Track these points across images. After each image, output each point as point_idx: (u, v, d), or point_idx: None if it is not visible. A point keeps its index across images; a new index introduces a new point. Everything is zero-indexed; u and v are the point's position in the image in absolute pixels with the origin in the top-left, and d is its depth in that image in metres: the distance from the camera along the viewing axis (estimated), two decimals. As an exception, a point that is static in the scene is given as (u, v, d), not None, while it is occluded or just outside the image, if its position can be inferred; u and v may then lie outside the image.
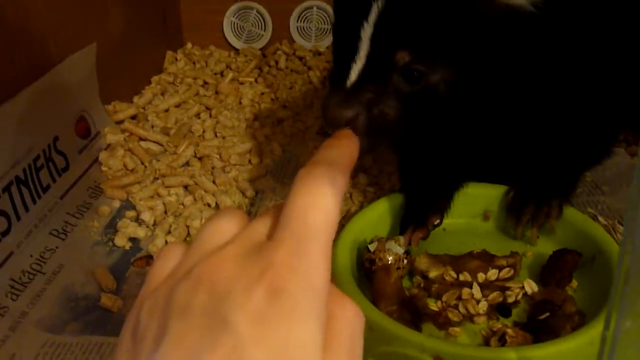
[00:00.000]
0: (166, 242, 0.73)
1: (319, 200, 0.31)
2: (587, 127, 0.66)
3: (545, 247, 0.66)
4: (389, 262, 0.59)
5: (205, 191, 0.79)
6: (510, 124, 0.64)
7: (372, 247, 0.60)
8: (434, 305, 0.59)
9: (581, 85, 0.62)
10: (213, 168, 0.84)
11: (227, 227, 0.34)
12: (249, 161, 0.86)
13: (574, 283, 0.62)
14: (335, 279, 0.59)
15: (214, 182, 0.81)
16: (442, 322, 0.58)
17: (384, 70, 0.55)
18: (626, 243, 0.40)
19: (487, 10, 0.54)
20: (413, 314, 0.58)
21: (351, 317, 0.32)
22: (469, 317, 0.58)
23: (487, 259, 0.62)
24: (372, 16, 0.54)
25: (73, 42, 0.82)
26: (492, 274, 0.61)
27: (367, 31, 0.54)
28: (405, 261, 0.61)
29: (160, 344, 0.29)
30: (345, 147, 0.37)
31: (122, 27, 0.96)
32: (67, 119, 0.81)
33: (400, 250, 0.60)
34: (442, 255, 0.63)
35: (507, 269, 0.61)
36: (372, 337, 0.53)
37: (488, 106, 0.60)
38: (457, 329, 0.57)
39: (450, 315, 0.58)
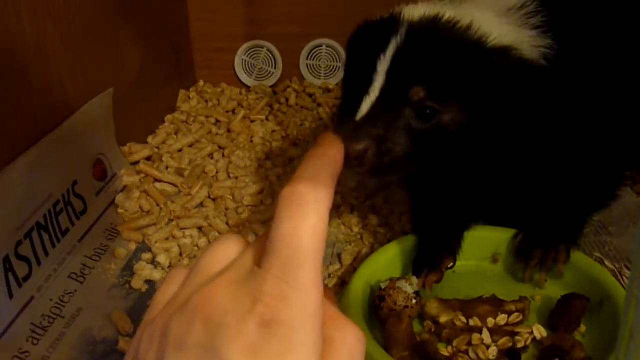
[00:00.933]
0: (181, 284, 0.74)
1: (303, 221, 0.31)
2: (593, 172, 0.67)
3: (553, 290, 0.67)
4: (399, 302, 0.61)
5: (219, 233, 0.81)
6: (518, 167, 0.65)
7: (383, 285, 0.62)
8: (444, 351, 0.61)
9: (587, 131, 0.64)
10: (227, 209, 0.86)
11: (226, 252, 0.34)
12: (262, 202, 0.88)
13: (582, 328, 0.63)
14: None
15: (227, 223, 0.83)
16: (453, 368, 0.59)
17: (397, 105, 0.56)
18: (630, 301, 0.42)
19: (502, 61, 0.57)
20: (424, 359, 0.59)
21: (351, 341, 0.31)
22: (479, 363, 0.60)
23: (496, 304, 0.63)
24: (390, 51, 0.56)
25: (91, 87, 0.84)
26: (502, 319, 0.62)
27: (383, 65, 0.56)
28: (414, 301, 0.62)
29: None
30: (328, 156, 0.36)
31: (137, 68, 0.98)
32: (85, 162, 0.83)
33: (411, 290, 0.62)
34: (452, 300, 0.64)
35: (516, 314, 0.63)
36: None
37: (497, 149, 0.61)
38: (469, 384, 0.59)
39: (461, 360, 0.59)
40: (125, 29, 0.95)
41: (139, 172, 0.91)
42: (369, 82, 0.56)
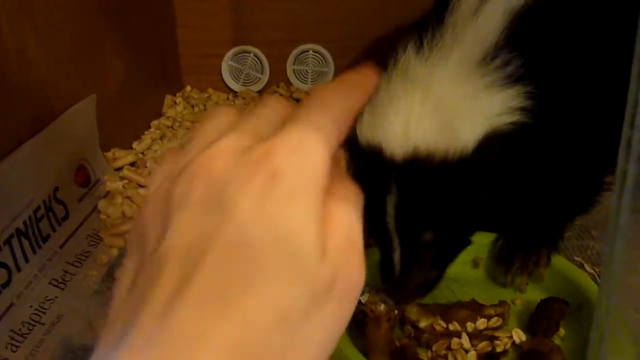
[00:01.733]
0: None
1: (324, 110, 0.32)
2: (573, 178, 0.68)
3: (534, 294, 0.67)
4: (379, 312, 0.61)
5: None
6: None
7: (363, 299, 0.62)
8: (424, 356, 0.61)
9: (567, 139, 0.64)
10: None
11: (221, 121, 0.33)
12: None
13: (562, 332, 0.63)
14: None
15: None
16: (432, 373, 0.59)
17: (416, 250, 0.60)
18: (601, 304, 0.42)
19: (484, 159, 0.58)
20: (404, 363, 0.59)
21: (350, 202, 0.32)
22: (458, 368, 0.60)
23: (476, 308, 0.64)
24: (390, 209, 0.58)
25: (74, 93, 0.84)
26: (481, 323, 0.62)
27: (391, 223, 0.58)
28: (396, 312, 0.62)
29: (164, 237, 0.30)
30: (355, 86, 0.35)
31: (122, 74, 0.98)
32: (67, 169, 0.83)
33: (392, 302, 0.62)
34: (432, 305, 0.64)
35: (496, 318, 0.63)
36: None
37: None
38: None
39: (439, 365, 0.59)
40: (110, 35, 0.95)
41: (122, 178, 0.90)
42: (389, 242, 0.60)
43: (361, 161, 0.57)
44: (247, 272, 0.28)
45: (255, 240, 0.28)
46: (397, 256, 0.59)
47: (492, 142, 0.57)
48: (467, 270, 0.72)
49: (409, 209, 0.58)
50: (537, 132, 0.59)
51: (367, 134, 0.59)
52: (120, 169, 0.93)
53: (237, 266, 0.28)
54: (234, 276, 0.28)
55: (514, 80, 0.58)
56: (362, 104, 0.34)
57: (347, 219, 0.31)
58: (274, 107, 0.33)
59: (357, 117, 0.59)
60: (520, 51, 0.59)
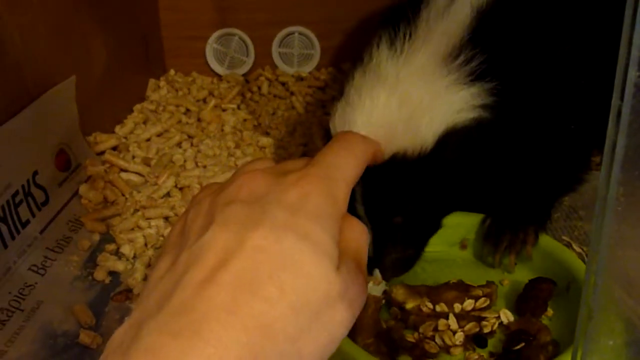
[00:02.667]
0: (146, 275, 0.73)
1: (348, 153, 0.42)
2: (560, 157, 0.67)
3: (521, 275, 0.66)
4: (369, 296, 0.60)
5: (185, 222, 0.79)
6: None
7: None
8: (410, 337, 0.60)
9: (552, 119, 0.63)
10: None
11: (257, 166, 0.42)
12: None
13: (549, 312, 0.62)
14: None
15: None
16: (418, 354, 0.58)
17: (388, 232, 0.62)
18: (589, 281, 0.41)
19: (446, 156, 0.59)
20: (389, 346, 0.58)
21: (358, 233, 0.40)
22: (446, 349, 0.59)
23: (463, 289, 0.63)
24: (359, 197, 0.60)
25: (53, 75, 0.82)
26: (469, 304, 0.61)
27: (360, 210, 0.60)
28: (383, 298, 0.62)
29: (207, 230, 0.36)
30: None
31: (103, 57, 0.96)
32: (47, 153, 0.81)
33: (379, 291, 0.61)
34: (419, 286, 0.63)
35: (483, 298, 0.62)
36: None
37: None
38: (433, 361, 0.58)
39: (426, 347, 0.58)
40: (90, 16, 0.93)
41: (104, 162, 0.89)
42: (357, 216, 0.59)
43: None
44: (274, 267, 0.34)
45: (285, 243, 0.35)
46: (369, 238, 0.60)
47: (452, 138, 0.58)
48: (455, 251, 0.72)
49: (375, 198, 0.59)
50: (502, 125, 0.60)
51: (338, 126, 0.60)
52: (102, 153, 0.91)
53: (267, 260, 0.34)
54: (262, 268, 0.34)
55: (476, 77, 0.59)
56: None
57: (356, 244, 0.40)
58: (296, 160, 0.43)
59: (332, 110, 0.62)
60: (484, 48, 0.59)
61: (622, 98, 0.35)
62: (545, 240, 0.67)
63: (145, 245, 0.77)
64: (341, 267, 0.37)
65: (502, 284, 0.66)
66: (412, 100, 0.57)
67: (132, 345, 0.33)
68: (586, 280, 0.40)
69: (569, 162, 0.69)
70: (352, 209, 0.58)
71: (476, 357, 0.57)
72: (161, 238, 0.78)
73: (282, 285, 0.34)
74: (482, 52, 0.59)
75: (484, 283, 0.64)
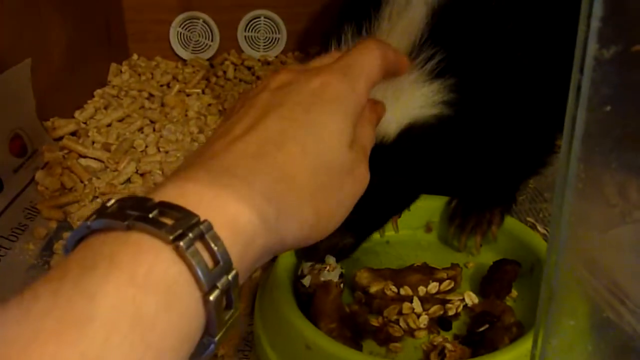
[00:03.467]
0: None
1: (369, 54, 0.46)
2: (523, 143, 0.67)
3: (486, 257, 0.66)
4: (330, 280, 0.59)
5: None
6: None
7: (306, 282, 0.59)
8: (375, 321, 0.59)
9: (516, 103, 0.63)
10: (155, 184, 0.82)
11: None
12: (193, 176, 0.84)
13: (514, 293, 0.62)
14: (274, 296, 0.58)
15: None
16: (383, 338, 0.57)
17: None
18: (550, 262, 0.40)
19: (405, 147, 0.59)
20: (353, 330, 0.57)
21: (369, 130, 0.47)
22: (410, 332, 0.58)
23: (427, 272, 0.62)
24: None
25: (6, 58, 0.79)
26: (433, 287, 0.61)
27: None
28: (342, 283, 0.60)
29: (237, 115, 0.42)
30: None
31: (63, 40, 0.93)
32: (0, 138, 0.78)
33: (336, 276, 0.60)
34: (384, 270, 0.63)
35: (448, 281, 0.61)
36: (311, 357, 0.52)
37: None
38: (398, 344, 0.57)
39: (391, 330, 0.57)
40: (51, 8, 0.90)
41: (62, 148, 0.86)
42: None
43: None
44: (298, 132, 0.40)
45: (309, 114, 0.41)
46: None
47: (413, 132, 0.58)
48: (420, 234, 0.71)
49: None
50: (463, 119, 0.59)
51: None
52: (60, 138, 0.88)
53: (291, 126, 0.40)
54: (287, 131, 0.39)
55: (436, 74, 0.58)
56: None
57: (369, 137, 0.47)
58: (322, 57, 0.48)
59: None
60: (443, 46, 0.59)
61: (581, 71, 0.34)
62: (510, 222, 0.67)
63: (105, 232, 0.75)
64: (354, 148, 0.43)
65: (467, 266, 0.66)
66: (375, 96, 0.56)
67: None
68: (547, 259, 0.40)
69: (532, 146, 0.70)
70: None
71: (440, 339, 0.56)
72: (121, 225, 0.76)
73: (305, 146, 0.39)
74: (441, 50, 0.59)
75: (449, 266, 0.63)
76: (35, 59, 0.84)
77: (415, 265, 0.63)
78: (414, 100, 0.58)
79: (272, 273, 0.62)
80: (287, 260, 0.62)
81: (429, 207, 0.70)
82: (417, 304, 0.59)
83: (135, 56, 1.18)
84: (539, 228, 0.72)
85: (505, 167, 0.69)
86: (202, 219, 0.33)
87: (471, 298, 0.60)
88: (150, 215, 0.32)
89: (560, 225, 0.38)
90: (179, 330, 0.30)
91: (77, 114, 0.96)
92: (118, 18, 1.15)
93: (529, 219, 0.74)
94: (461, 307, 0.59)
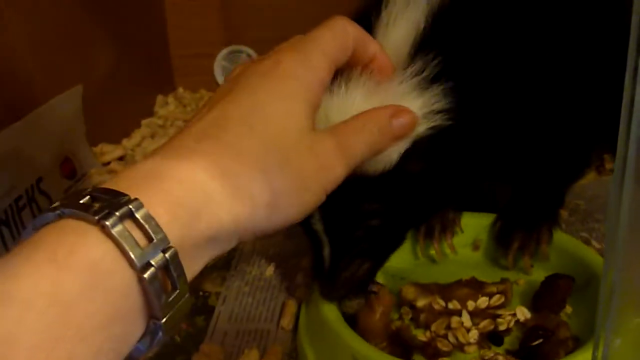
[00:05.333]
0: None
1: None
2: (563, 149, 0.64)
3: (538, 274, 0.63)
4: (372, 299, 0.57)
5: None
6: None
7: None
8: (422, 336, 0.57)
9: (553, 115, 0.60)
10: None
11: None
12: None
13: (568, 309, 0.59)
14: (321, 310, 0.57)
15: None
16: (431, 353, 0.55)
17: (347, 246, 0.56)
18: (609, 259, 0.38)
19: (410, 170, 0.53)
20: (402, 347, 0.56)
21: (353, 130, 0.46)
22: (459, 347, 0.56)
23: (476, 287, 0.60)
24: (316, 214, 0.53)
25: (59, 84, 0.82)
26: (482, 301, 0.59)
27: (318, 226, 0.55)
28: (376, 287, 0.58)
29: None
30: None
31: (110, 70, 0.96)
32: (52, 160, 0.80)
33: (355, 307, 0.57)
34: (430, 284, 0.61)
35: (498, 295, 0.59)
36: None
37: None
38: (447, 359, 0.55)
39: (439, 345, 0.55)
40: (99, 31, 0.93)
41: (110, 172, 0.88)
42: (319, 241, 0.56)
43: None
44: (245, 113, 0.40)
45: (256, 96, 0.40)
46: (326, 252, 0.56)
47: (414, 151, 0.52)
48: (467, 252, 0.69)
49: (334, 215, 0.54)
50: (466, 126, 0.53)
51: None
52: (108, 164, 0.90)
53: (237, 108, 0.40)
54: (233, 115, 0.39)
55: (431, 79, 0.52)
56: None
57: (355, 142, 0.45)
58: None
59: None
60: (440, 50, 0.52)
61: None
62: (562, 237, 0.65)
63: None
64: (319, 133, 0.42)
65: (518, 283, 0.64)
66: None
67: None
68: (605, 260, 0.38)
69: (573, 150, 0.65)
70: (308, 224, 0.54)
71: (492, 354, 0.54)
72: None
73: (252, 127, 0.39)
74: (438, 54, 0.53)
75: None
76: (84, 85, 0.87)
77: (463, 280, 0.62)
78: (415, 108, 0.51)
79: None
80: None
81: (475, 224, 0.69)
82: (466, 318, 0.57)
83: (180, 89, 1.20)
84: (594, 243, 0.69)
85: (532, 177, 0.66)
86: (132, 197, 0.32)
87: (523, 313, 0.58)
88: (81, 202, 0.32)
89: (616, 242, 0.37)
90: (106, 309, 0.30)
91: (124, 141, 0.98)
92: (164, 52, 1.18)
93: (582, 233, 0.72)
94: (513, 322, 0.57)
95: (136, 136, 1.00)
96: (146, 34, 1.10)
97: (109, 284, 0.30)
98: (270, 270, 0.72)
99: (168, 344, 0.63)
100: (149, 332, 0.33)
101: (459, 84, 0.52)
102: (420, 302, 0.59)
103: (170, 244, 0.32)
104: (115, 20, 0.97)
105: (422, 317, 0.58)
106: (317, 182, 0.41)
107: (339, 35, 0.45)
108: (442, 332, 0.57)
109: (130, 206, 0.31)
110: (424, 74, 0.51)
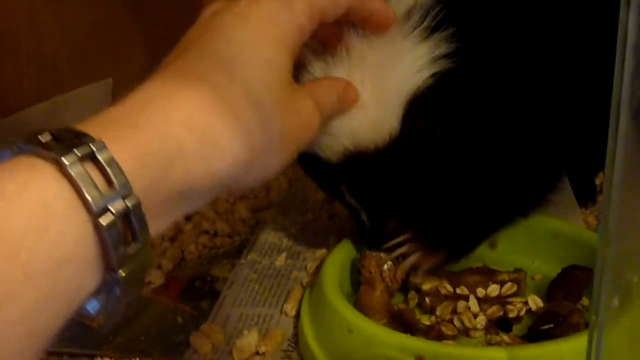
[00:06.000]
0: (160, 265, 0.70)
1: None
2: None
3: (554, 270, 0.59)
4: (372, 268, 0.55)
5: (204, 219, 0.77)
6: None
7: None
8: (426, 321, 0.54)
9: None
10: (216, 198, 0.82)
11: None
12: (255, 196, 0.84)
13: (585, 301, 0.55)
14: (321, 287, 0.55)
15: (216, 211, 0.79)
16: (435, 336, 0.52)
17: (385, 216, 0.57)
18: (605, 215, 0.36)
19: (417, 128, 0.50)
20: (403, 327, 0.53)
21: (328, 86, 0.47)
22: (465, 332, 0.53)
23: (487, 274, 0.57)
24: (346, 194, 0.55)
25: (88, 75, 0.84)
26: (493, 289, 0.55)
27: (352, 201, 0.56)
28: (387, 266, 0.56)
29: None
30: None
31: (144, 67, 0.98)
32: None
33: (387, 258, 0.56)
34: (439, 270, 0.58)
35: (510, 284, 0.56)
36: (352, 339, 0.49)
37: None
38: (450, 342, 0.52)
39: (444, 329, 0.53)
40: (132, 31, 0.95)
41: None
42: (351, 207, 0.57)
43: (307, 162, 0.56)
44: (220, 61, 0.37)
45: (233, 43, 0.38)
46: (364, 217, 0.56)
47: (416, 107, 0.49)
48: (484, 251, 0.65)
49: (362, 193, 0.55)
50: (467, 78, 0.50)
51: None
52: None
53: (212, 55, 0.37)
54: (208, 62, 0.37)
55: (431, 32, 0.50)
56: None
57: (326, 96, 0.45)
58: None
59: None
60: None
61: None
62: (583, 232, 0.61)
63: (163, 238, 0.75)
64: (298, 88, 0.40)
65: (534, 278, 0.60)
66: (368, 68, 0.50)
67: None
68: (601, 224, 0.36)
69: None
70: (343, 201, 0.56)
71: (499, 339, 0.51)
72: (181, 234, 0.76)
73: (232, 77, 0.36)
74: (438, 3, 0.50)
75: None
76: (115, 81, 0.89)
77: (474, 267, 0.59)
78: (411, 65, 0.49)
79: (321, 269, 0.59)
80: (336, 257, 0.59)
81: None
82: (473, 303, 0.54)
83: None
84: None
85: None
86: (95, 138, 0.30)
87: (535, 302, 0.54)
88: (42, 140, 0.30)
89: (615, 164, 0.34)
90: (56, 252, 0.28)
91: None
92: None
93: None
94: (524, 310, 0.54)
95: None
96: (181, 36, 1.12)
97: (60, 226, 0.28)
98: (281, 260, 0.70)
99: (169, 323, 0.62)
100: (105, 286, 0.31)
101: (460, 29, 0.50)
102: (427, 286, 0.56)
103: (133, 192, 0.30)
104: (150, 23, 1.00)
105: (427, 300, 0.55)
106: (295, 140, 0.40)
107: None
108: (448, 316, 0.54)
109: (92, 146, 0.30)
110: (425, 24, 0.49)
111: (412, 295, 0.57)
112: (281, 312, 0.62)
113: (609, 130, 0.34)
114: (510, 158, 0.53)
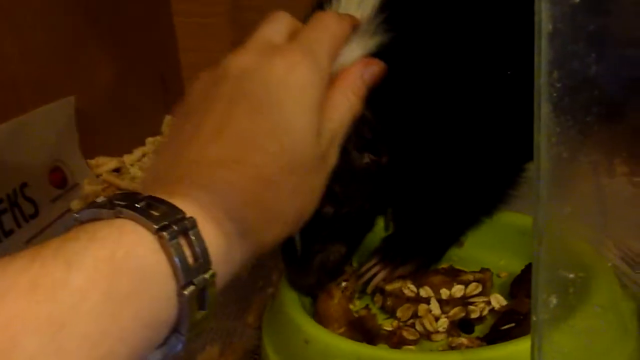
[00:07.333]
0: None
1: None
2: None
3: (520, 267, 0.58)
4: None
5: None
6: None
7: None
8: (388, 326, 0.53)
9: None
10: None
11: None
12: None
13: (550, 297, 0.54)
14: (280, 300, 0.54)
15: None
16: (396, 342, 0.51)
17: (318, 228, 0.51)
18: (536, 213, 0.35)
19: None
20: (364, 335, 0.52)
21: (340, 111, 0.44)
22: (427, 335, 0.51)
23: (452, 274, 0.56)
24: None
25: (49, 93, 0.83)
26: (458, 290, 0.54)
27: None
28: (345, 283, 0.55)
29: (205, 104, 0.41)
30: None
31: (110, 86, 0.97)
32: (39, 167, 0.80)
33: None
34: (402, 271, 0.57)
35: (475, 284, 0.54)
36: (309, 350, 0.47)
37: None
38: (412, 347, 0.50)
39: (405, 334, 0.51)
40: (97, 48, 0.94)
41: (103, 182, 0.87)
42: None
43: None
44: (273, 126, 0.39)
45: (278, 110, 0.39)
46: (297, 237, 0.52)
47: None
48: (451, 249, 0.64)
49: None
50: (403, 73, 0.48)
51: None
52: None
53: (263, 122, 0.39)
54: (259, 130, 0.39)
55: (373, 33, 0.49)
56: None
57: (339, 116, 0.43)
58: (279, 31, 0.45)
59: None
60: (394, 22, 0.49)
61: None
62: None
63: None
64: (322, 133, 0.41)
65: (500, 276, 0.59)
66: None
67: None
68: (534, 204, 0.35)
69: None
70: None
71: (459, 341, 0.49)
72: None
73: (282, 144, 0.38)
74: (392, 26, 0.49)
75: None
76: (81, 99, 0.87)
77: (440, 267, 0.57)
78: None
79: (280, 281, 0.58)
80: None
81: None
82: (435, 306, 0.53)
83: (191, 111, 1.20)
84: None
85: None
86: (187, 215, 0.33)
87: (498, 300, 0.53)
88: (138, 205, 0.32)
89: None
90: (145, 315, 0.31)
91: (125, 156, 0.98)
92: (174, 74, 1.19)
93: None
94: (487, 310, 0.53)
95: (138, 152, 1.00)
96: (156, 59, 1.11)
97: (155, 293, 0.31)
98: (245, 270, 0.69)
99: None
100: (168, 344, 0.33)
101: (395, 20, 0.48)
102: (390, 287, 0.55)
103: (211, 267, 0.33)
104: (114, 39, 0.99)
105: (389, 301, 0.54)
106: (325, 180, 0.43)
107: (339, 32, 0.45)
108: (408, 319, 0.53)
109: (186, 222, 0.33)
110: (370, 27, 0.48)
111: (378, 298, 0.56)
112: (244, 325, 0.61)
113: (534, 122, 0.33)
114: (456, 155, 0.51)
